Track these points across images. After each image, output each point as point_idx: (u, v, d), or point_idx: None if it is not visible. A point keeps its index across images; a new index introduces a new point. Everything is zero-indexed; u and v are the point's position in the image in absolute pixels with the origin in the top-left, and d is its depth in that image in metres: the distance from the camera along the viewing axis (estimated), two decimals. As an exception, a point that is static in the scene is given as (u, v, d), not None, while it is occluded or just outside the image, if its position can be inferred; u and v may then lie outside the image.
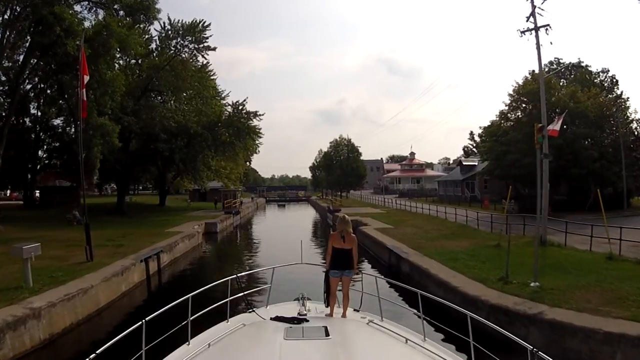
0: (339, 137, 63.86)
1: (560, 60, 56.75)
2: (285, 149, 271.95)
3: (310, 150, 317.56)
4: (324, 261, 7.41)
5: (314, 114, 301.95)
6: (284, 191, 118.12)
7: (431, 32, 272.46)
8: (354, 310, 6.82)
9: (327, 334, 4.98)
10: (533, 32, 22.19)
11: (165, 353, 4.83)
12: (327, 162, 63.78)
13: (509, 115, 41.79)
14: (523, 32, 22.69)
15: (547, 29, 22.27)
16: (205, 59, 38.71)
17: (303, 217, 57.84)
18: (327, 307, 6.54)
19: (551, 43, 24.07)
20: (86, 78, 16.28)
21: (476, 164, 63.46)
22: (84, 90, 15.85)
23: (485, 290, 11.77)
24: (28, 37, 27.14)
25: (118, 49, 26.29)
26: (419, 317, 5.98)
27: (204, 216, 37.83)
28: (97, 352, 3.80)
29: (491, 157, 41.16)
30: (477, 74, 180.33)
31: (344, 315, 6.31)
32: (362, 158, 63.26)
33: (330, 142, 64.54)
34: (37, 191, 49.49)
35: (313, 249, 26.90)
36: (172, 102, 39.62)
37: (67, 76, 28.77)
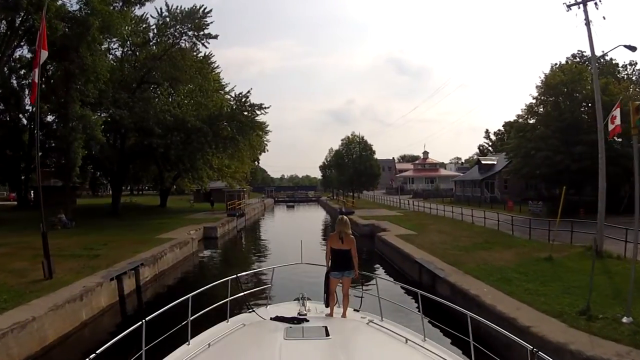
0: (351, 135, 59.60)
1: (584, 53, 53.58)
2: (294, 149, 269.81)
3: (320, 150, 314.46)
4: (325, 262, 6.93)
5: (323, 114, 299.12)
6: (293, 191, 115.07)
7: (440, 32, 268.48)
8: (354, 310, 6.70)
9: (327, 334, 4.91)
10: (580, 6, 18.97)
11: (165, 353, 4.75)
12: (339, 161, 59.63)
13: (536, 109, 38.11)
14: (569, 7, 19.45)
15: (596, 3, 19.04)
16: (206, 47, 35.51)
17: (313, 219, 54.22)
18: (326, 307, 6.40)
19: (604, 18, 20.43)
20: (44, 54, 13.14)
21: (495, 162, 60.06)
22: (38, 70, 12.68)
23: (568, 332, 8.39)
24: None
25: (101, 30, 23.00)
26: (419, 317, 5.82)
27: (204, 219, 34.63)
28: (97, 352, 3.75)
29: (519, 155, 37.47)
30: (487, 73, 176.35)
31: (344, 315, 6.22)
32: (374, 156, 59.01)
33: (342, 140, 60.17)
34: (32, 191, 46.84)
35: (314, 249, 23.60)
36: (172, 95, 36.35)
37: (53, 65, 25.95)
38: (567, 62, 45.34)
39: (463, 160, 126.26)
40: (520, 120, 40.43)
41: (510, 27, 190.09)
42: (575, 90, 35.68)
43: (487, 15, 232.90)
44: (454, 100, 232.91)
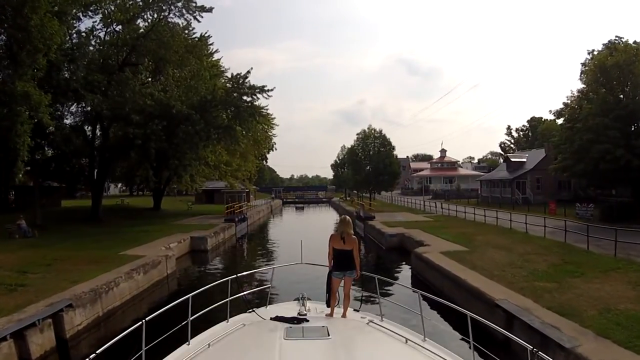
0: (368, 128, 53.31)
1: (622, 39, 48.29)
2: (304, 149, 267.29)
3: (330, 150, 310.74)
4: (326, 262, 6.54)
5: (334, 115, 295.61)
6: (303, 192, 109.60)
7: (450, 33, 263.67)
8: (354, 310, 6.58)
9: (327, 334, 4.82)
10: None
11: (165, 353, 4.66)
12: (354, 158, 53.39)
13: (591, 95, 32.22)
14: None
15: None
16: (199, 21, 29.99)
17: (326, 224, 47.84)
18: (328, 307, 6.28)
19: None
20: None
21: (525, 160, 54.40)
22: None
23: None
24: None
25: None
26: (419, 317, 5.68)
27: (197, 225, 29.27)
28: (97, 352, 3.74)
29: (570, 149, 31.48)
30: (498, 73, 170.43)
31: (344, 315, 6.10)
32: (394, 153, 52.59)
33: (358, 134, 52.96)
34: (13, 192, 42.12)
35: (314, 249, 18.28)
36: (157, 78, 31.12)
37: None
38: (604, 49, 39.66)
39: (476, 160, 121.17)
40: (569, 108, 34.61)
41: (522, 25, 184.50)
42: (633, 73, 30.20)
43: (497, 16, 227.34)
44: (464, 100, 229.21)
